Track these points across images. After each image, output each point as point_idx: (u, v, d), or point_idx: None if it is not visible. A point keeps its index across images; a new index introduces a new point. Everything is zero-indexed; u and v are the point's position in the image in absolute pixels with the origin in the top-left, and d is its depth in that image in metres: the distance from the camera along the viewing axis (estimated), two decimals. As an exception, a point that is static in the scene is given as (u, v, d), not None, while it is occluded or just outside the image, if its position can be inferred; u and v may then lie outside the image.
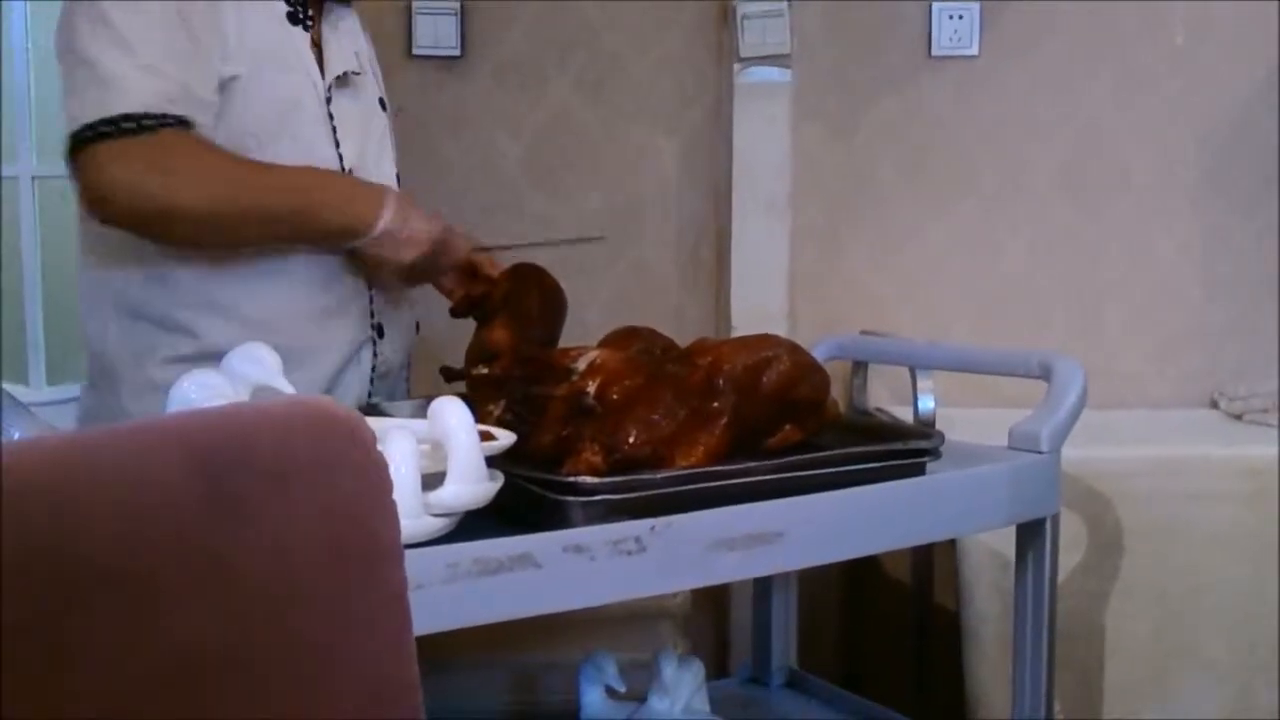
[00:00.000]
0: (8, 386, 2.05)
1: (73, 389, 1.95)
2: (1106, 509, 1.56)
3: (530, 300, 1.33)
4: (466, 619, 0.82)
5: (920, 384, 1.52)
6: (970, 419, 1.51)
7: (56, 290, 2.06)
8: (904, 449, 1.02)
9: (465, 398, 1.20)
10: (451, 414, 0.89)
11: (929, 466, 1.05)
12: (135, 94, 1.08)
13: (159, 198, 1.10)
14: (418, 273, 1.26)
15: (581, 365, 1.09)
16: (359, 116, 1.28)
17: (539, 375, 1.11)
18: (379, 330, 1.32)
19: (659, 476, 0.91)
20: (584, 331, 1.38)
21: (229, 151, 1.13)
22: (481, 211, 1.96)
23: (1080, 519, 1.54)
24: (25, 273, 2.07)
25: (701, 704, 1.30)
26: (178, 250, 1.17)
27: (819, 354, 1.45)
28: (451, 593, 0.81)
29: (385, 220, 1.19)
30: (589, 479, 0.88)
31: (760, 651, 1.47)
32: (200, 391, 0.93)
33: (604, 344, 1.22)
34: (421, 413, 1.16)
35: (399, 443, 0.86)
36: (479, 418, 1.15)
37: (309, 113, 1.21)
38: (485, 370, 1.21)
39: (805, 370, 1.06)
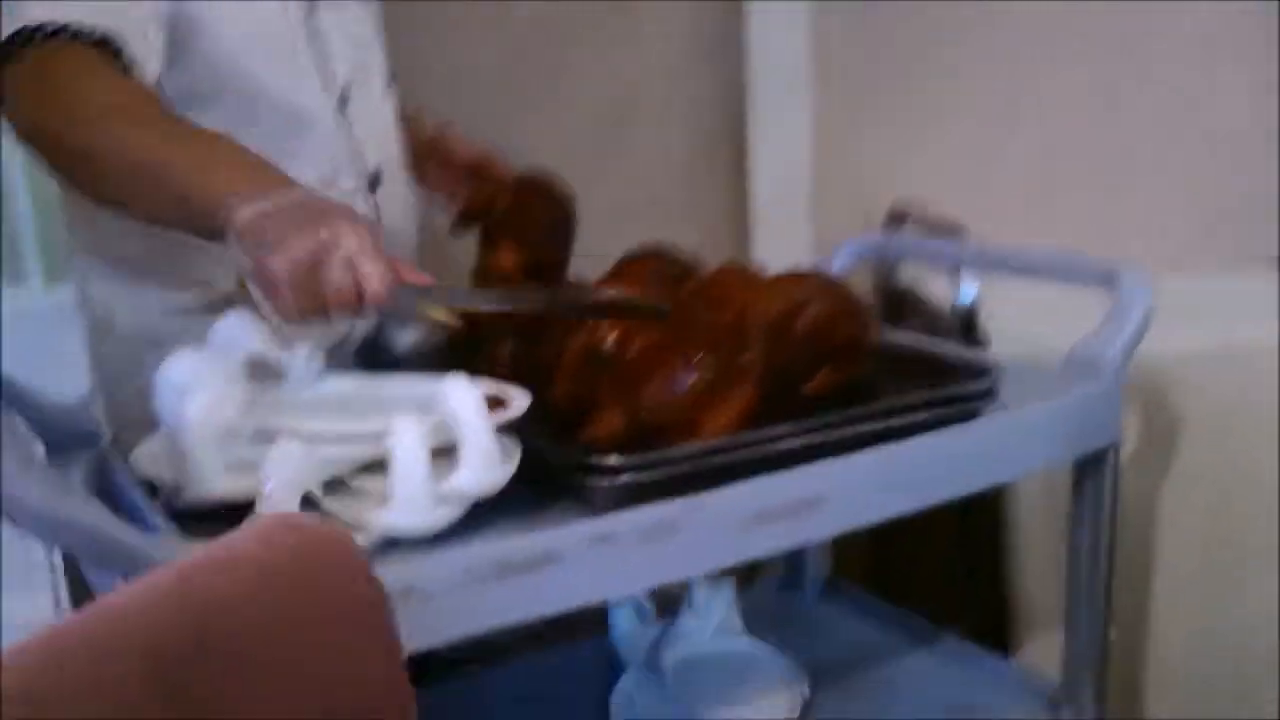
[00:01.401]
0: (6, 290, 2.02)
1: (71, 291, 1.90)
2: (1162, 399, 1.48)
3: (538, 215, 1.24)
4: (485, 623, 0.76)
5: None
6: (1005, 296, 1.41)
7: (47, 190, 1.97)
8: (956, 394, 0.94)
9: (474, 335, 1.13)
10: (460, 397, 0.82)
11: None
12: (37, 9, 0.92)
13: (28, 128, 0.93)
14: (294, 294, 0.84)
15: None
16: (344, 25, 1.16)
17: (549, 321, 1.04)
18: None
19: (688, 451, 0.84)
20: (593, 224, 1.29)
21: (125, 76, 0.94)
22: (476, 86, 1.84)
23: (1132, 408, 1.46)
24: (12, 173, 1.98)
25: (734, 623, 1.27)
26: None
27: (851, 253, 1.37)
28: (469, 597, 0.75)
29: (254, 209, 0.83)
30: (613, 459, 0.81)
31: (793, 559, 1.42)
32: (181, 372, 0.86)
33: (620, 269, 1.14)
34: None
35: (405, 431, 0.79)
36: (490, 357, 1.09)
37: (290, 29, 1.10)
38: (492, 304, 1.13)
39: (842, 311, 0.97)
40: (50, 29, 0.92)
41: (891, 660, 1.24)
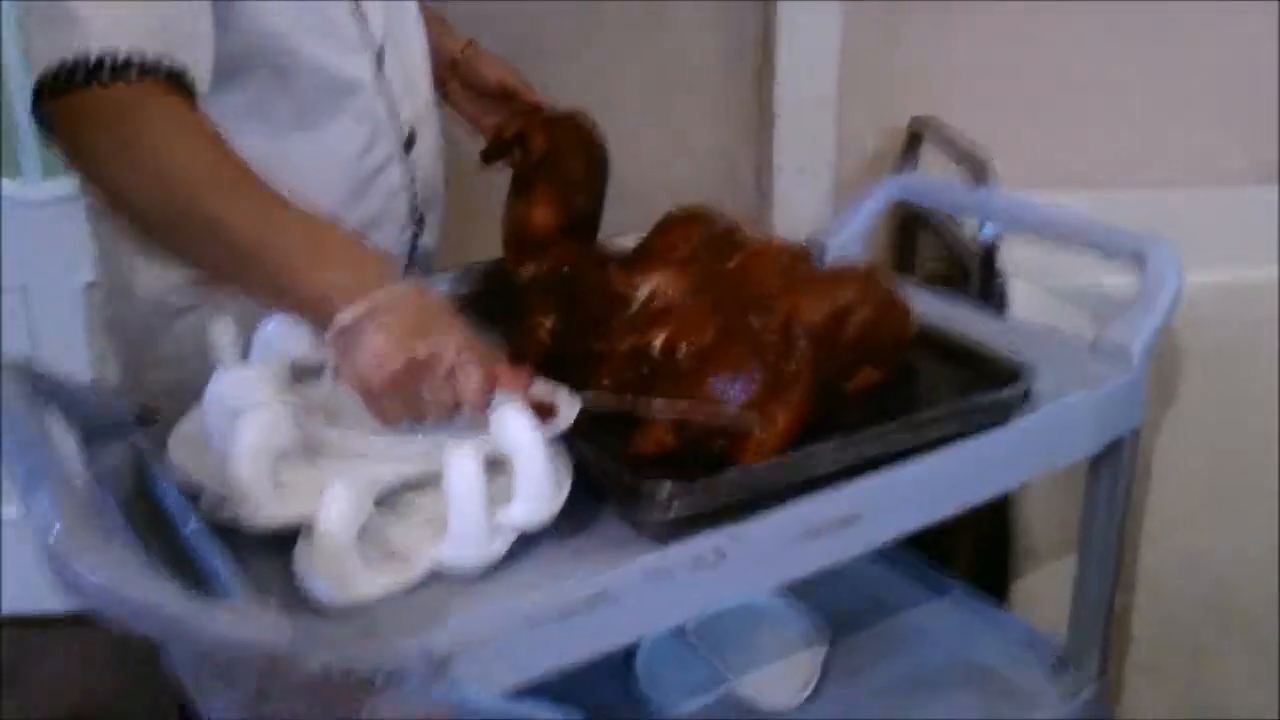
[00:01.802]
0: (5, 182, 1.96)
1: (70, 184, 1.85)
2: (1166, 335, 1.49)
3: (573, 163, 1.21)
4: (544, 666, 0.78)
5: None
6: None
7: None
8: (991, 401, 0.94)
9: (509, 288, 1.11)
10: (517, 427, 0.81)
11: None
12: (98, 24, 0.84)
13: (105, 179, 0.86)
14: (388, 403, 0.84)
15: (643, 292, 1.01)
16: None
17: (593, 305, 1.02)
18: (419, 223, 1.21)
19: (740, 478, 0.84)
20: (614, 116, 1.26)
21: (210, 128, 0.87)
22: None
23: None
24: (10, 63, 1.90)
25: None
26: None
27: (881, 195, 1.34)
28: (532, 645, 0.77)
29: (352, 313, 0.80)
30: (666, 489, 0.82)
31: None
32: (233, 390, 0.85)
33: (658, 238, 1.12)
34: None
35: (462, 464, 0.80)
36: (527, 325, 1.08)
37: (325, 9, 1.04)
38: (533, 269, 1.12)
39: (886, 312, 0.97)
40: (113, 59, 0.84)
41: (903, 612, 1.28)
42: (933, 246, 1.84)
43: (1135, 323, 1.05)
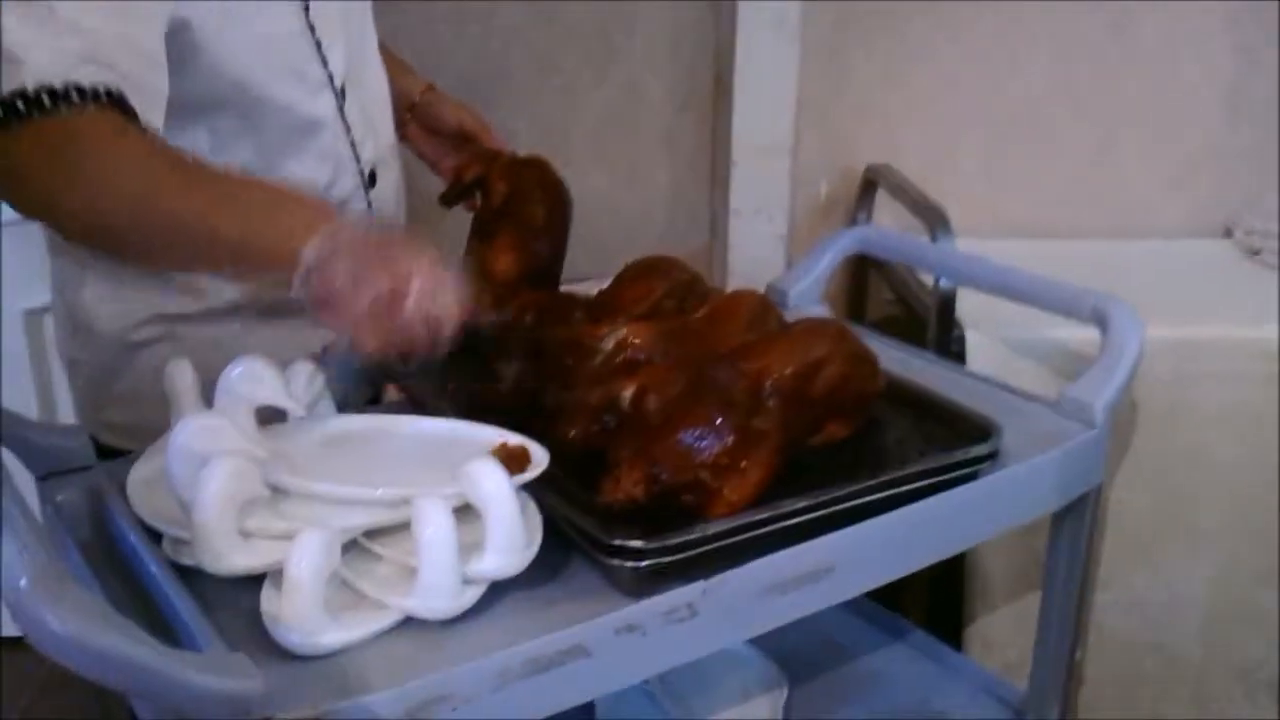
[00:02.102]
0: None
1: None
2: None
3: (535, 209, 1.21)
4: (517, 716, 0.78)
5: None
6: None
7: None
8: (960, 460, 0.95)
9: (470, 336, 1.11)
10: (488, 479, 0.81)
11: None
12: (35, 61, 0.83)
13: (64, 202, 0.86)
14: (376, 331, 0.86)
15: (609, 344, 1.01)
16: (336, 12, 1.09)
17: (557, 356, 1.02)
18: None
19: (711, 532, 0.84)
20: (569, 156, 1.26)
21: (148, 139, 0.88)
22: (461, 19, 1.76)
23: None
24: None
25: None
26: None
27: (840, 246, 1.36)
28: (504, 698, 0.76)
29: (316, 249, 0.83)
30: (637, 544, 0.81)
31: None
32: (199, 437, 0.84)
33: (621, 289, 1.13)
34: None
35: (433, 515, 0.79)
36: (491, 375, 1.08)
37: (290, 37, 1.03)
38: (494, 317, 1.12)
39: (856, 369, 0.98)
40: (49, 91, 0.84)
41: (861, 657, 1.29)
42: (885, 290, 1.87)
43: (1098, 382, 1.07)
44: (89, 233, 0.89)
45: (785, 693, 1.21)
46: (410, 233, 0.88)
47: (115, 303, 1.07)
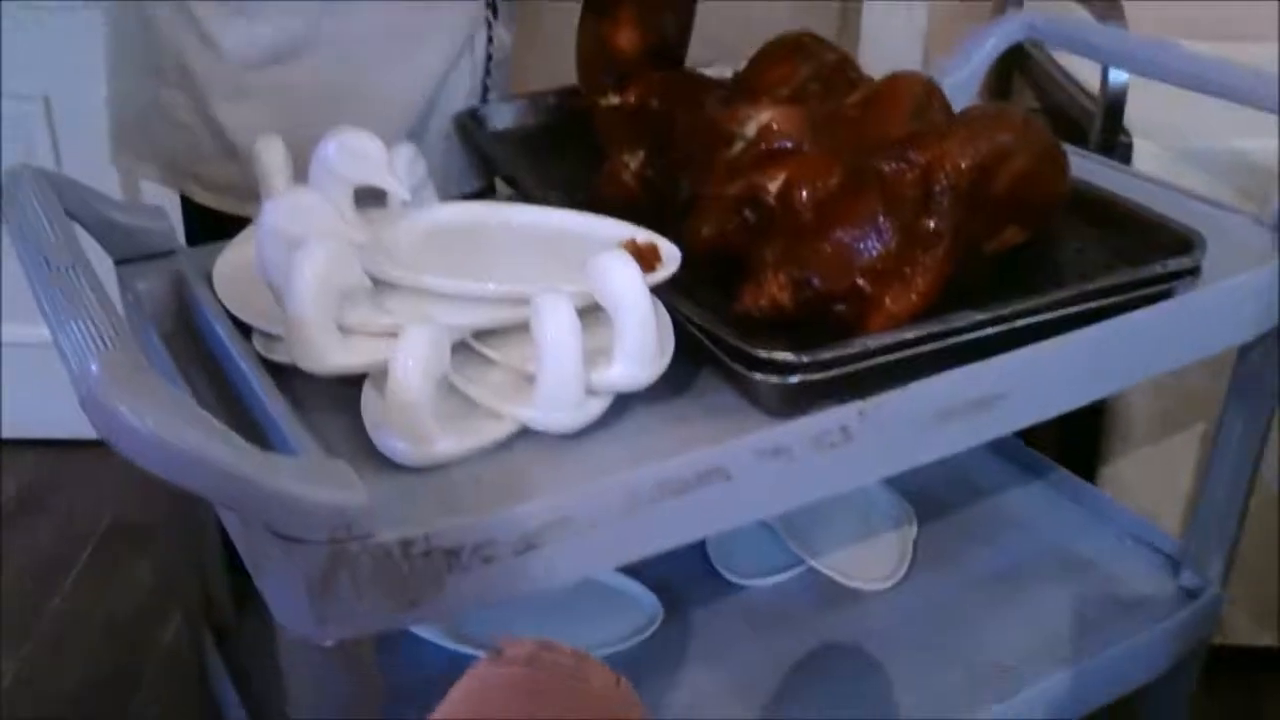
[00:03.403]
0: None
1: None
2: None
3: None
4: (647, 549, 0.69)
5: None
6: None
7: None
8: (1158, 274, 0.82)
9: (586, 121, 0.99)
10: (620, 275, 0.70)
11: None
12: None
13: None
14: None
15: (751, 130, 0.88)
16: None
17: (689, 143, 0.90)
18: (493, 8, 1.07)
19: (872, 346, 0.73)
20: None
21: None
22: None
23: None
24: None
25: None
26: None
27: (1005, 32, 1.20)
28: (632, 524, 0.67)
29: None
30: (786, 356, 0.70)
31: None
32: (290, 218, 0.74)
33: (760, 69, 0.99)
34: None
35: (556, 313, 0.68)
36: (611, 165, 0.96)
37: None
38: (616, 100, 0.99)
39: (1043, 164, 0.84)
40: None
41: (995, 495, 1.19)
42: (1030, 97, 1.69)
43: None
44: None
45: (915, 530, 1.12)
46: None
47: (234, 35, 0.97)
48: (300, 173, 0.85)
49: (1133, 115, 1.32)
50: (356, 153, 0.78)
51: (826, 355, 0.71)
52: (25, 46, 1.85)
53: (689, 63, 1.12)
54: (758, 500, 0.72)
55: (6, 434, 2.10)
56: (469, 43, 1.06)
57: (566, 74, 1.10)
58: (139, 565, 1.87)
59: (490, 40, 1.08)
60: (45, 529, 1.96)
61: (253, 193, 0.87)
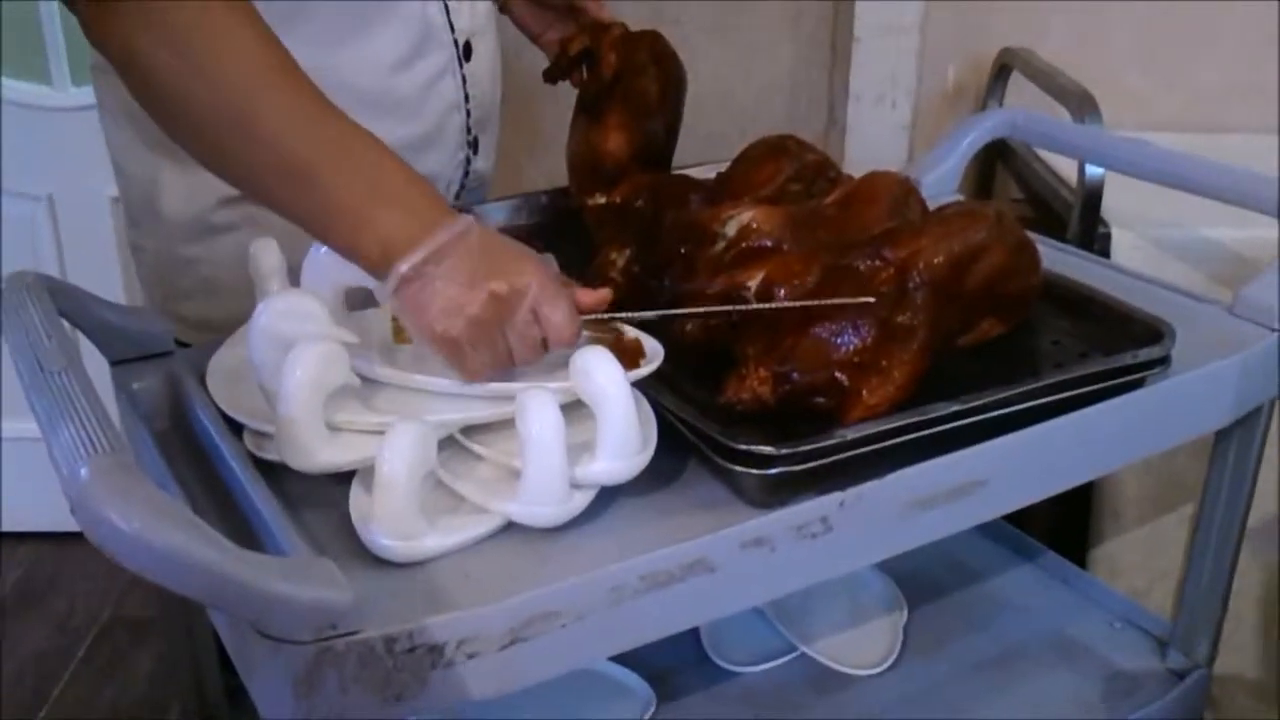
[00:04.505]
0: (30, 87, 1.87)
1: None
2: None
3: (647, 84, 1.10)
4: (633, 641, 0.70)
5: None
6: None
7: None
8: (1129, 365, 0.84)
9: (575, 221, 1.01)
10: (603, 373, 0.72)
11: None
12: None
13: (164, 86, 0.72)
14: (473, 353, 0.75)
15: (732, 230, 0.90)
16: None
17: (674, 242, 0.92)
18: (474, 146, 1.10)
19: (850, 438, 0.74)
20: (680, 38, 1.15)
21: (266, 28, 0.73)
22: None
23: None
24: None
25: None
26: None
27: (985, 129, 1.23)
28: (618, 617, 0.68)
29: (411, 262, 0.71)
30: (765, 449, 0.72)
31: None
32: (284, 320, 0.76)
33: (742, 171, 1.02)
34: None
35: (541, 411, 0.70)
36: (599, 262, 0.99)
37: None
38: (604, 200, 1.02)
39: (1017, 259, 0.86)
40: None
41: (987, 579, 1.19)
42: (1013, 187, 1.73)
43: (1276, 283, 0.94)
44: (177, 113, 0.74)
45: (905, 614, 1.12)
46: (514, 242, 0.77)
47: (192, 179, 0.98)
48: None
49: (1111, 205, 1.36)
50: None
51: (805, 447, 0.73)
52: (28, 146, 1.90)
53: (676, 161, 1.15)
54: (742, 591, 0.73)
55: (6, 527, 2.11)
56: (445, 191, 1.09)
57: (562, 175, 1.14)
58: (138, 657, 1.87)
59: (467, 174, 1.11)
60: (45, 622, 1.96)
61: (234, 325, 0.88)
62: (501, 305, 0.72)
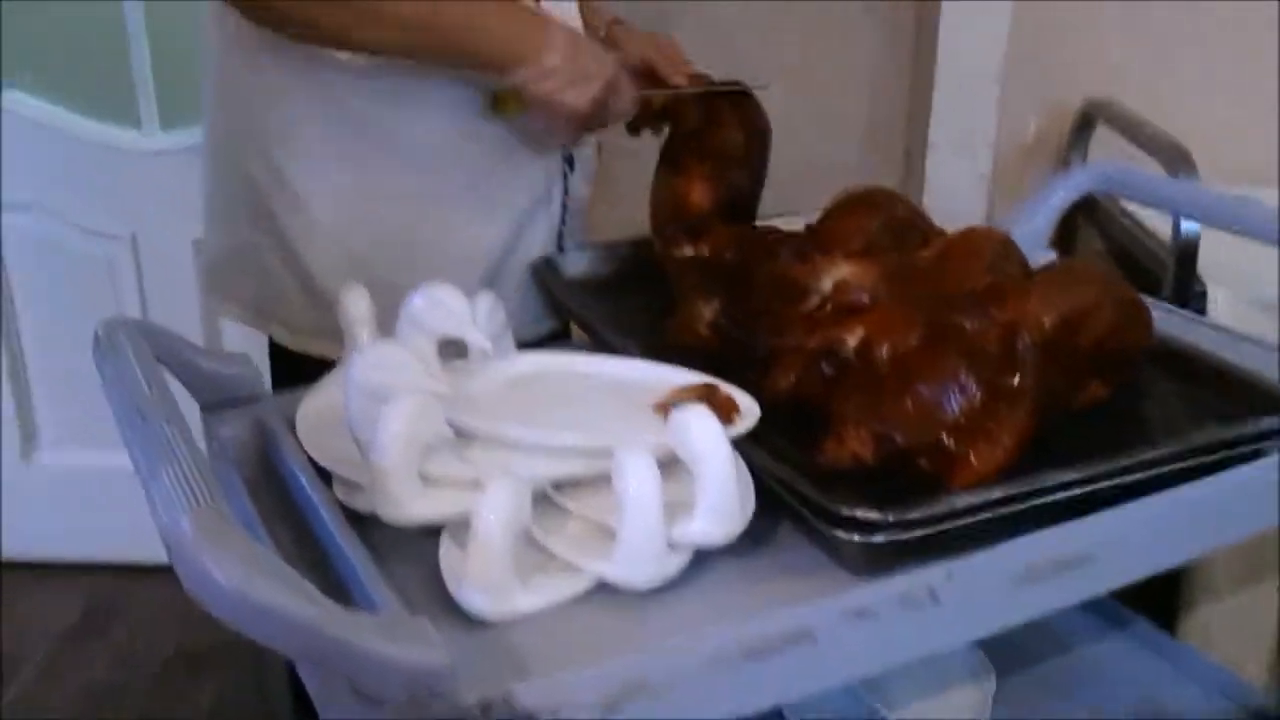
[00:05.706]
0: (119, 131, 1.90)
1: (191, 134, 1.78)
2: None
3: (732, 135, 1.09)
4: (728, 712, 0.67)
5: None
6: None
7: (164, 26, 1.82)
8: (1249, 434, 0.81)
9: (659, 272, 1.01)
10: (701, 430, 0.70)
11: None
12: None
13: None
14: (585, 122, 1.03)
15: (827, 285, 0.88)
16: None
17: (765, 296, 0.90)
18: (569, 162, 1.10)
19: (958, 506, 0.72)
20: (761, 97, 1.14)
21: None
22: None
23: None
24: (128, 13, 1.83)
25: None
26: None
27: (1076, 184, 1.20)
28: (711, 687, 0.65)
29: (554, 53, 0.97)
30: (871, 514, 0.70)
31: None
32: (378, 371, 0.75)
33: (832, 215, 1.00)
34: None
35: (639, 468, 0.68)
36: (686, 314, 0.97)
37: None
38: (690, 251, 1.00)
39: (1126, 318, 0.83)
40: None
41: (1078, 645, 1.15)
42: (1097, 240, 1.69)
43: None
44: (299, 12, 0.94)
45: (993, 683, 1.08)
46: (603, 57, 1.03)
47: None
48: (382, 317, 0.87)
49: (1205, 261, 1.32)
50: (441, 306, 0.80)
51: (914, 514, 0.70)
52: (114, 188, 1.93)
53: (759, 209, 1.14)
54: (843, 663, 0.70)
55: (73, 556, 2.13)
56: (547, 195, 1.09)
57: (636, 225, 1.12)
58: (201, 691, 1.86)
59: (566, 192, 1.11)
60: (106, 653, 1.96)
61: (336, 335, 0.89)
62: (611, 80, 1.00)
